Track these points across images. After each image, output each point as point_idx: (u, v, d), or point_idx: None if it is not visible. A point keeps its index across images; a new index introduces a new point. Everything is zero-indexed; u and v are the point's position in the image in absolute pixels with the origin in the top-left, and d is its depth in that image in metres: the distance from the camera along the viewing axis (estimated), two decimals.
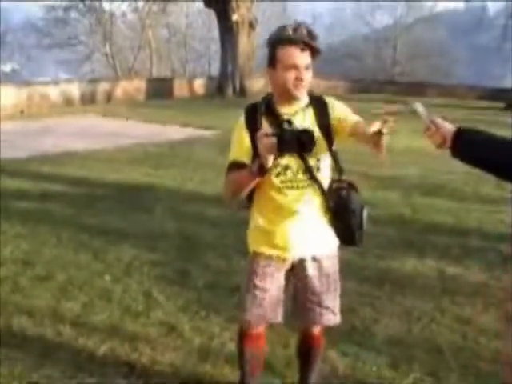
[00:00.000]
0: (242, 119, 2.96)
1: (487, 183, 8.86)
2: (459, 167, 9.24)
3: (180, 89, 25.53)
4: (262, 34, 40.53)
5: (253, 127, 2.86)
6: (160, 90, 24.60)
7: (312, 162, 2.89)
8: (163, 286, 5.27)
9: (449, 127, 2.49)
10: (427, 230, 7.01)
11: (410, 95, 20.95)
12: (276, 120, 2.84)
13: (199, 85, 26.49)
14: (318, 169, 2.93)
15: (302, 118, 2.89)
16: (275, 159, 2.71)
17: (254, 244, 3.10)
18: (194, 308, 4.79)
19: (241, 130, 2.93)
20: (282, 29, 2.81)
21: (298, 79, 2.79)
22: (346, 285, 5.21)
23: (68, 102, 21.79)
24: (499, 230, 6.85)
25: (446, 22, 53.84)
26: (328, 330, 4.40)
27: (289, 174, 2.89)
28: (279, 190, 2.91)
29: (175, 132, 14.84)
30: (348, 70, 42.41)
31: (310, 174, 2.90)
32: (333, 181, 3.04)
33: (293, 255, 3.03)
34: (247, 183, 2.81)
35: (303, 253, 3.03)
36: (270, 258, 3.03)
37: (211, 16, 27.37)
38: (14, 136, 14.08)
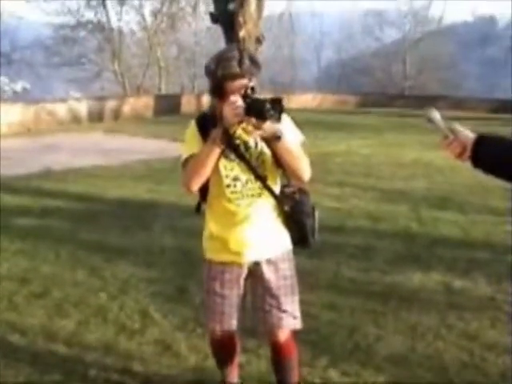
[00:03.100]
0: (193, 125, 3.05)
1: (494, 195, 8.70)
2: (466, 180, 9.09)
3: (188, 105, 25.51)
4: (270, 49, 40.73)
5: (204, 133, 2.93)
6: (168, 106, 24.60)
7: (261, 171, 2.97)
8: (160, 303, 5.14)
9: (469, 135, 2.29)
10: (434, 243, 6.84)
11: (420, 108, 20.81)
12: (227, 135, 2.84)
13: (207, 100, 26.42)
14: (267, 177, 3.00)
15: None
16: (225, 169, 2.93)
17: (209, 251, 3.16)
18: (190, 326, 4.65)
19: (193, 133, 3.03)
20: (227, 63, 2.82)
21: None
22: (350, 302, 5.17)
23: (75, 119, 21.80)
24: (507, 242, 6.67)
25: (455, 35, 53.85)
26: (330, 349, 4.29)
27: (238, 185, 2.97)
28: (230, 200, 2.99)
29: (181, 148, 14.68)
30: (358, 86, 42.41)
31: (261, 182, 2.98)
32: (283, 186, 3.11)
33: (248, 259, 3.06)
34: (210, 155, 2.84)
35: (258, 256, 3.07)
36: (226, 264, 3.09)
37: (219, 32, 27.29)
38: (19, 153, 14.08)
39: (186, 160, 2.98)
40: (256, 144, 2.95)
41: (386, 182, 10.36)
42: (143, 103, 24.85)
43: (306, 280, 5.37)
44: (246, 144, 2.95)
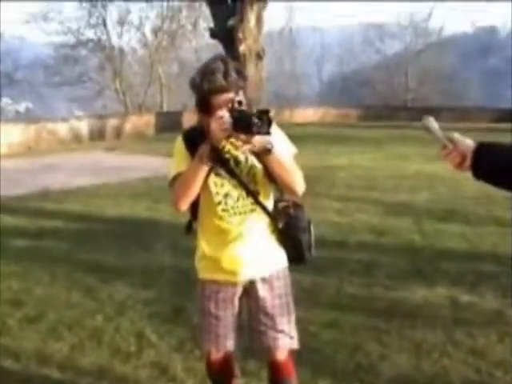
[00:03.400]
0: (180, 141, 2.94)
1: (500, 205, 8.55)
2: (470, 190, 8.92)
3: (189, 122, 25.40)
4: (272, 64, 40.76)
5: (192, 147, 2.81)
6: (169, 123, 24.54)
7: (252, 186, 2.87)
8: (156, 324, 5.00)
9: (468, 143, 2.15)
10: (439, 256, 6.69)
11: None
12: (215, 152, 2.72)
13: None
14: (259, 192, 2.90)
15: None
16: (216, 186, 2.83)
17: (203, 271, 3.07)
18: (187, 347, 4.52)
19: (180, 150, 2.91)
20: (211, 76, 2.70)
21: None
22: (352, 319, 5.01)
23: (76, 138, 21.78)
24: None
25: (456, 47, 53.89)
26: (332, 370, 4.14)
27: (230, 202, 2.88)
28: (221, 218, 2.89)
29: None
30: (361, 99, 42.38)
31: (253, 198, 2.88)
32: (277, 201, 3.02)
33: (242, 278, 2.97)
34: (197, 173, 2.73)
35: (252, 275, 2.98)
36: (219, 283, 3.00)
37: (219, 49, 27.31)
38: (19, 173, 14.01)
39: (174, 178, 2.86)
40: (246, 158, 2.83)
41: (389, 194, 10.22)
42: (145, 121, 24.83)
43: (306, 297, 5.28)
44: (235, 159, 2.83)
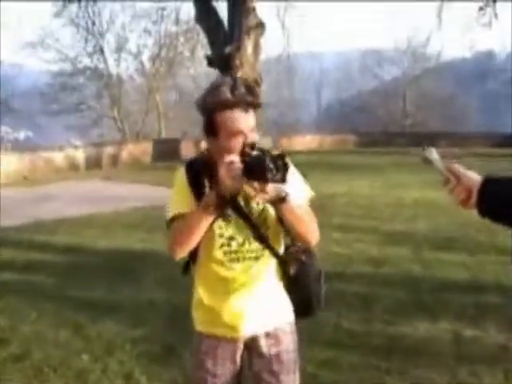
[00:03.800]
0: (181, 174, 2.59)
1: (502, 234, 8.31)
2: (470, 218, 8.66)
3: (187, 150, 25.28)
4: (269, 92, 40.74)
5: (196, 182, 2.52)
6: (167, 151, 24.40)
7: (263, 230, 2.55)
8: (146, 364, 4.76)
9: (474, 178, 1.94)
10: (440, 287, 6.48)
11: (421, 146, 20.61)
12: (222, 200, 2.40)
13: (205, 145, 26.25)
14: (269, 237, 2.57)
15: None
16: (220, 228, 2.49)
17: (200, 323, 2.71)
18: None
19: (182, 185, 2.57)
20: (216, 90, 2.42)
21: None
22: (351, 358, 4.77)
23: (73, 166, 21.64)
24: None
25: (454, 71, 54.03)
26: None
27: (234, 244, 2.54)
28: (222, 264, 2.56)
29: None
30: (358, 125, 42.30)
31: (261, 242, 2.56)
32: (287, 246, 2.68)
33: (244, 334, 2.62)
34: (201, 223, 2.41)
35: (255, 330, 2.63)
36: (219, 338, 2.64)
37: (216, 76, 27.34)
38: (12, 203, 13.77)
39: (173, 219, 2.53)
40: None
41: (388, 223, 10.03)
42: (142, 149, 24.70)
43: (303, 334, 5.04)
44: (245, 199, 2.52)
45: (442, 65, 51.00)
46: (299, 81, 51.82)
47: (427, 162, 2.03)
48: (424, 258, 7.67)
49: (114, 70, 36.44)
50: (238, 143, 2.39)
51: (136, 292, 6.67)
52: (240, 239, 2.54)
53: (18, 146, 23.21)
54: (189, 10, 33.24)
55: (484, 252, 7.88)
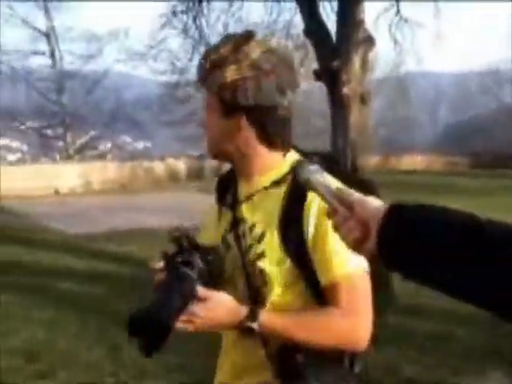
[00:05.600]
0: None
1: None
2: None
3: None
4: (380, 109, 39.78)
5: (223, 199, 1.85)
6: None
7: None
8: None
9: (374, 206, 1.12)
10: None
11: None
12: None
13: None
14: None
15: (251, 210, 1.74)
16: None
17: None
18: None
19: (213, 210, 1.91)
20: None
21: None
22: None
23: (173, 177, 21.60)
24: None
25: None
26: None
27: None
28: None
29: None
30: (476, 147, 40.58)
31: None
32: None
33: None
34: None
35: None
36: None
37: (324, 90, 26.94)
38: (98, 211, 13.71)
39: None
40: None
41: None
42: None
43: None
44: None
45: None
46: (413, 100, 50.44)
47: (307, 183, 1.22)
48: None
49: None
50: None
51: None
52: None
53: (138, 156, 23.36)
54: (299, 24, 33.00)
55: None
